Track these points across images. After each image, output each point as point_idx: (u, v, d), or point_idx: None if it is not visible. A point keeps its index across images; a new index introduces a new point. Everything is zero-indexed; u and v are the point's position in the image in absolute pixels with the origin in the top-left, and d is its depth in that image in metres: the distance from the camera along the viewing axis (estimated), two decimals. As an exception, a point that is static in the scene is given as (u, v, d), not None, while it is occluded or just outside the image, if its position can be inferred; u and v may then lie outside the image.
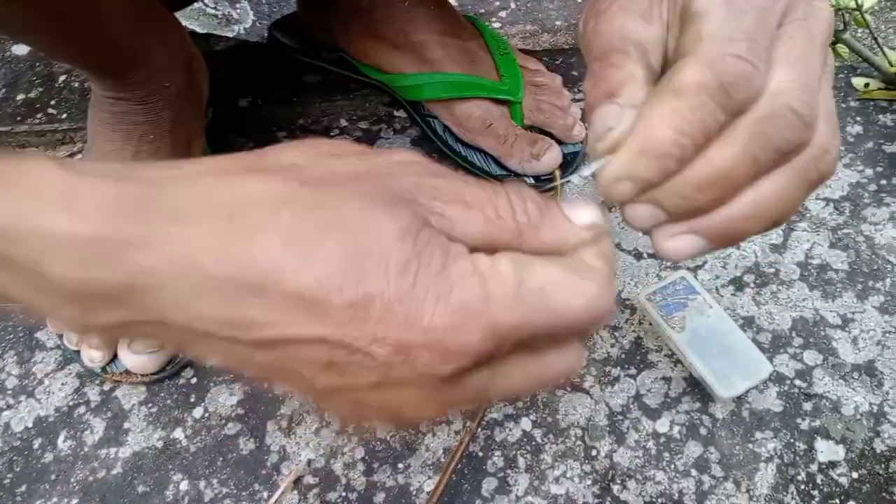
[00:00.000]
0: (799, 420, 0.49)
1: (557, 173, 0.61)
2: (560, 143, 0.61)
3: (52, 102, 0.72)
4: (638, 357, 0.53)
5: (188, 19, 0.84)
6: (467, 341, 0.22)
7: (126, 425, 0.52)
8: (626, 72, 0.26)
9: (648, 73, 0.26)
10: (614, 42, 0.26)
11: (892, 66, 0.65)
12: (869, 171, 0.61)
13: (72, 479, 0.50)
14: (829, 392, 0.50)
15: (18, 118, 0.70)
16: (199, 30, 0.82)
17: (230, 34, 0.83)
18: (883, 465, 0.47)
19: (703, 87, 0.24)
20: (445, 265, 0.22)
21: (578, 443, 0.49)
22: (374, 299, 0.21)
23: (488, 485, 0.48)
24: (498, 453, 0.49)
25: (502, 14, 0.81)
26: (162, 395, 0.54)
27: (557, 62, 0.73)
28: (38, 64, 0.75)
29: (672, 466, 0.48)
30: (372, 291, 0.21)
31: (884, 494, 0.46)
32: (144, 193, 0.21)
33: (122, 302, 0.21)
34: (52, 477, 0.50)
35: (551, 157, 0.60)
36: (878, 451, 0.48)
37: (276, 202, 0.21)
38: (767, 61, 0.24)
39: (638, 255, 0.58)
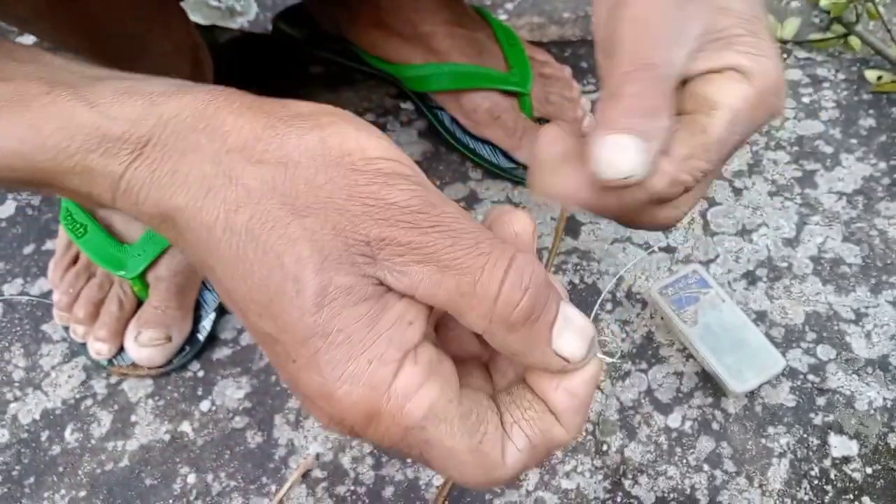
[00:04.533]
0: (812, 415, 0.49)
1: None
2: (570, 135, 0.61)
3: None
4: (649, 351, 0.52)
5: (191, 11, 0.83)
6: (330, 426, 0.23)
7: (133, 418, 0.52)
8: (664, 123, 0.26)
9: (672, 101, 0.27)
10: (665, 63, 0.27)
11: (905, 58, 0.64)
12: (882, 165, 0.60)
13: (79, 472, 0.50)
14: (842, 387, 0.50)
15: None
16: (202, 22, 0.82)
17: (234, 26, 0.82)
18: (897, 461, 0.47)
19: (653, 194, 0.27)
20: (350, 358, 0.21)
21: (589, 437, 0.49)
22: (278, 343, 0.22)
23: (498, 479, 0.48)
24: (508, 448, 0.49)
25: (509, 6, 0.80)
26: (169, 388, 0.53)
27: (565, 54, 0.72)
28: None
29: (684, 461, 0.48)
30: (278, 338, 0.22)
31: (897, 490, 0.46)
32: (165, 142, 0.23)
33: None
34: (60, 469, 0.50)
35: (561, 149, 0.59)
36: (893, 446, 0.47)
37: (239, 204, 0.22)
38: None
39: (649, 249, 0.57)
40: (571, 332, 0.23)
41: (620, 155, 0.25)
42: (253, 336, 0.23)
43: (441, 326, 0.26)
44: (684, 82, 0.29)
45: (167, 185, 0.23)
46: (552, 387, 0.24)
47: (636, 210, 0.28)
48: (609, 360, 0.25)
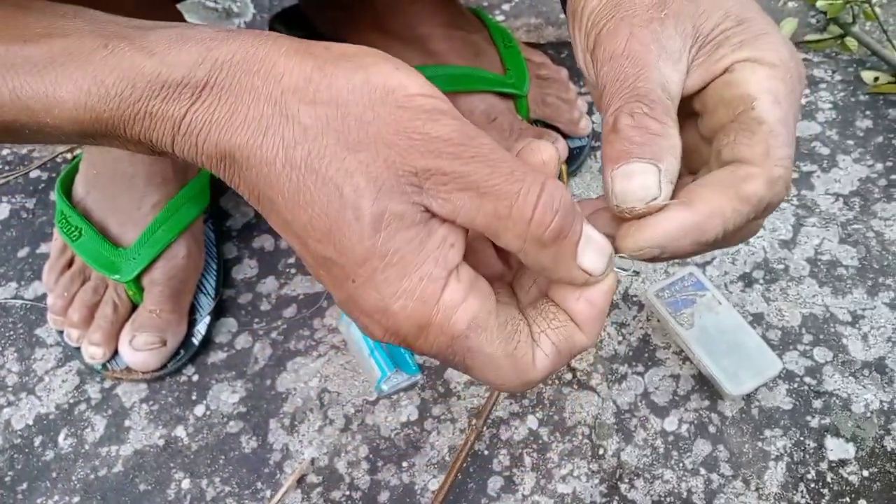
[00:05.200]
0: (809, 418, 0.49)
1: (564, 168, 0.60)
2: (566, 136, 0.60)
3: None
4: (646, 354, 0.52)
5: (188, 12, 0.83)
6: (385, 338, 0.25)
7: (127, 423, 0.52)
8: (671, 141, 0.27)
9: (676, 123, 0.28)
10: (654, 88, 0.27)
11: (901, 59, 0.64)
12: (879, 166, 0.60)
13: (73, 478, 0.50)
14: (839, 389, 0.50)
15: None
16: (198, 23, 0.81)
17: (231, 27, 0.82)
18: (893, 464, 0.47)
19: (759, 201, 0.27)
20: (405, 276, 0.24)
21: (585, 441, 0.49)
22: (337, 265, 0.24)
23: (494, 484, 0.48)
24: (504, 452, 0.49)
25: (505, 7, 0.80)
26: (163, 392, 0.53)
27: (562, 55, 0.72)
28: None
29: (680, 465, 0.47)
30: (337, 261, 0.24)
31: (894, 493, 0.46)
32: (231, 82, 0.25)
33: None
34: (53, 475, 0.50)
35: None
36: (889, 448, 0.47)
37: (297, 140, 0.24)
38: None
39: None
40: (593, 249, 0.26)
41: (632, 182, 0.26)
42: (309, 262, 0.26)
43: (468, 251, 0.27)
44: (696, 94, 0.30)
45: (226, 125, 0.24)
46: (574, 298, 0.27)
47: (741, 230, 0.28)
48: (624, 272, 0.28)
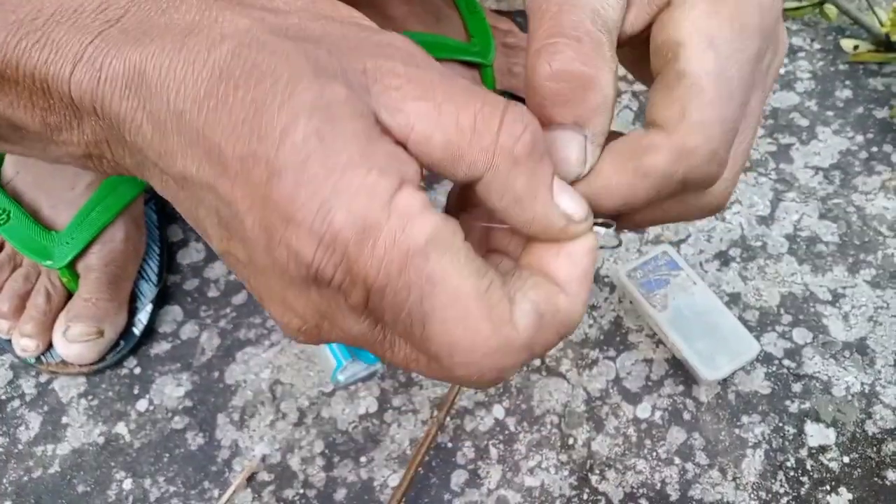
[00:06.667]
0: (788, 402, 0.46)
1: (531, 142, 0.57)
2: (534, 109, 0.57)
3: None
4: (617, 338, 0.49)
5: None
6: (317, 257, 0.19)
7: (64, 420, 0.48)
8: (601, 93, 0.22)
9: (613, 66, 0.23)
10: (582, 19, 0.22)
11: (882, 26, 0.62)
12: (859, 138, 0.58)
13: (3, 480, 0.46)
14: (819, 372, 0.47)
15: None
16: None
17: None
18: (875, 449, 0.45)
19: (665, 177, 0.22)
20: (347, 166, 0.18)
21: (554, 431, 0.46)
22: (259, 162, 0.19)
23: (458, 478, 0.45)
24: (468, 444, 0.46)
25: (474, -26, 0.76)
26: (103, 386, 0.49)
27: (532, 24, 0.68)
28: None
29: (654, 454, 0.45)
30: (258, 153, 0.19)
31: (875, 479, 0.44)
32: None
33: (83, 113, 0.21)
34: (-18, 478, 0.46)
35: (525, 124, 0.56)
36: (870, 433, 0.45)
37: (225, 35, 0.20)
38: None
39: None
40: (569, 194, 0.22)
41: (552, 156, 0.22)
42: (226, 171, 0.19)
43: None
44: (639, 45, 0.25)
45: (141, 38, 0.20)
46: (553, 254, 0.22)
47: (674, 206, 0.25)
48: (605, 230, 0.23)
